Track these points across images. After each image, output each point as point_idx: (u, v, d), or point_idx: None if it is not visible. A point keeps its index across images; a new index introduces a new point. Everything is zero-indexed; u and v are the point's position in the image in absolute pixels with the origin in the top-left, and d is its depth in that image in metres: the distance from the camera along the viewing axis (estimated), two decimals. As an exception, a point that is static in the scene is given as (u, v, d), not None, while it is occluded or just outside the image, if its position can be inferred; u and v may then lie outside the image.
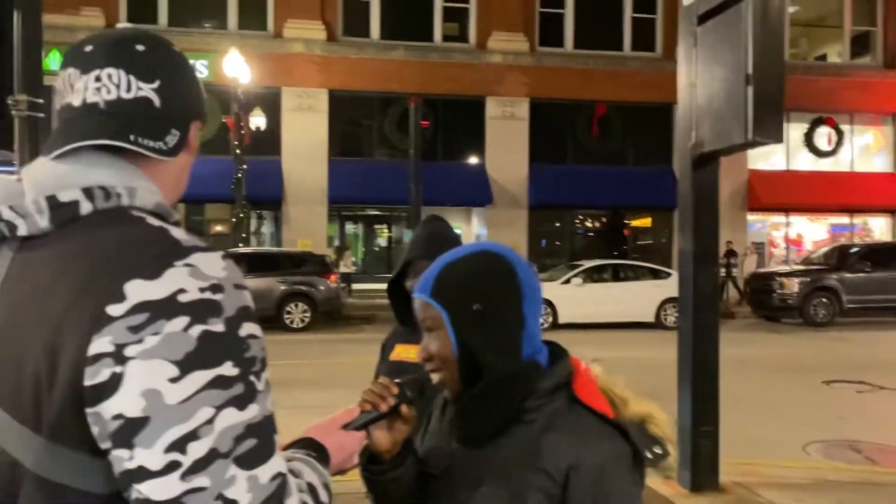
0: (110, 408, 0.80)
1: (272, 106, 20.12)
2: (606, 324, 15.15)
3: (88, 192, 0.89)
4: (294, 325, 14.67)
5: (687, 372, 4.76)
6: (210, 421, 0.80)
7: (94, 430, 0.81)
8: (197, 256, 0.86)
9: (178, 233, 0.89)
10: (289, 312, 14.75)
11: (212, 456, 0.80)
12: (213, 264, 0.86)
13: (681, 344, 4.89)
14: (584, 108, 22.25)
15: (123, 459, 0.80)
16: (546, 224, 23.19)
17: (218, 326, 0.83)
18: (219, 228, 21.05)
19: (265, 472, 0.84)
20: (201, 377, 0.81)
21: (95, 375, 0.80)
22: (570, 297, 15.17)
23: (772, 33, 4.00)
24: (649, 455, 1.18)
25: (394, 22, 21.47)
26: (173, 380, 0.80)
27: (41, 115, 4.07)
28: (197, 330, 0.81)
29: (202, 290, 0.83)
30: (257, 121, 18.80)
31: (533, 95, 21.69)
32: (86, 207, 0.89)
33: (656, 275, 16.17)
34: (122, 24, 1.12)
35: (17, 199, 0.89)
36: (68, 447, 0.82)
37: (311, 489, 0.95)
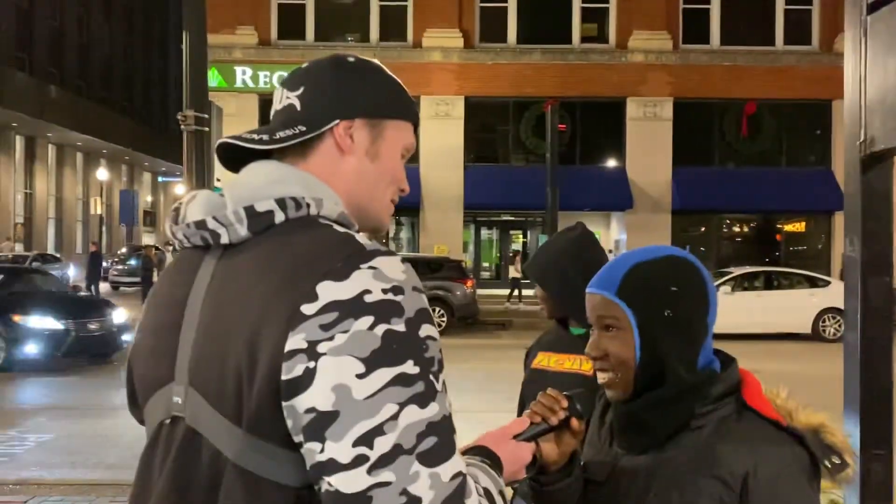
0: (304, 401, 0.84)
1: (411, 114, 20.58)
2: (758, 335, 14.29)
3: (281, 203, 0.95)
4: (432, 330, 14.92)
5: (854, 389, 4.35)
6: (394, 417, 0.83)
7: (289, 423, 0.85)
8: (380, 260, 0.90)
9: (362, 238, 0.94)
10: (427, 317, 15.01)
11: (396, 451, 0.82)
12: (394, 268, 0.90)
13: (847, 359, 4.47)
14: (732, 106, 21.18)
15: (315, 452, 0.84)
16: (691, 229, 22.25)
17: (400, 326, 0.86)
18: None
19: (446, 471, 0.85)
20: (385, 374, 0.84)
21: (291, 370, 0.84)
22: (719, 306, 14.43)
23: (958, 17, 3.57)
24: (827, 464, 1.12)
25: (530, 26, 21.38)
26: (360, 376, 0.83)
27: (206, 129, 4.34)
28: (381, 329, 0.85)
29: (385, 291, 0.87)
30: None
31: (677, 95, 20.89)
32: (279, 217, 0.95)
33: (813, 283, 15.07)
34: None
35: (220, 211, 0.97)
36: (265, 439, 0.87)
37: (488, 494, 0.95)
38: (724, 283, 14.83)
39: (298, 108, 1.06)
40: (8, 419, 7.15)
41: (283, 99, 1.08)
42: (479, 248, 24.27)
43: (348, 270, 0.88)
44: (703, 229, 22.60)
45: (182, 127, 4.24)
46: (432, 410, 0.85)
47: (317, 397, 0.83)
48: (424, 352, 0.87)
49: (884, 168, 4.38)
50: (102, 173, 36.85)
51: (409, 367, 0.85)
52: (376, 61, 1.15)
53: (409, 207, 20.86)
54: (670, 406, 1.15)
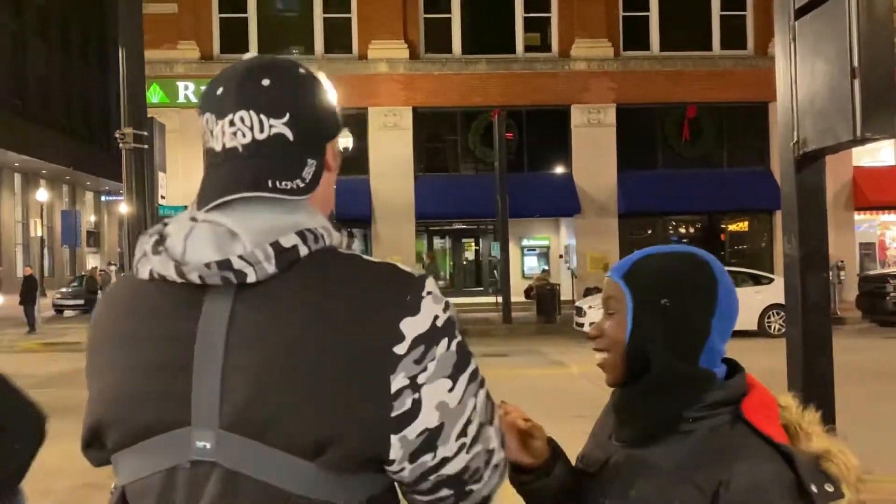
0: (416, 428, 0.93)
1: (359, 126, 20.53)
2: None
3: (302, 236, 0.96)
4: (387, 341, 14.83)
5: (798, 383, 4.49)
6: (475, 407, 0.98)
7: (397, 452, 0.93)
8: (429, 283, 0.99)
9: (400, 264, 1.01)
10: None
11: (481, 428, 0.99)
12: (435, 285, 1.00)
13: (790, 355, 4.61)
14: (673, 111, 21.68)
15: (427, 462, 0.95)
16: (638, 232, 22.64)
17: (459, 336, 0.99)
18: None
19: (497, 420, 1.04)
20: (464, 378, 0.98)
21: (401, 407, 0.92)
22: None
23: (879, 23, 3.74)
24: (815, 489, 1.06)
25: (475, 36, 21.56)
26: (450, 389, 0.96)
27: (146, 146, 4.27)
28: (453, 344, 0.97)
29: (444, 311, 0.98)
30: (345, 141, 19.22)
31: (619, 101, 21.30)
32: (303, 251, 0.95)
33: (757, 280, 15.49)
34: (249, 54, 1.13)
35: (234, 247, 0.93)
36: (342, 472, 0.92)
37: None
38: (672, 284, 15.15)
39: (292, 138, 1.00)
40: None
41: (263, 127, 0.98)
42: (433, 257, 24.30)
43: (417, 303, 0.95)
44: (649, 231, 23.02)
45: (121, 145, 4.16)
46: (485, 384, 1.01)
47: (426, 420, 0.94)
48: (468, 345, 1.02)
49: (816, 168, 4.54)
50: (42, 194, 35.75)
51: (473, 365, 1.00)
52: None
53: (360, 219, 20.77)
54: (652, 394, 1.15)
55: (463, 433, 0.96)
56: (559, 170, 21.70)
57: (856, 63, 3.72)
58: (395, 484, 1.00)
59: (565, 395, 9.21)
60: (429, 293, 0.96)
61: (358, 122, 20.52)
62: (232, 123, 0.98)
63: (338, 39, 21.30)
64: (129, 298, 1.01)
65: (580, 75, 21.25)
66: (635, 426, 1.18)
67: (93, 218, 44.93)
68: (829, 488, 1.08)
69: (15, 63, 36.56)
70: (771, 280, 15.23)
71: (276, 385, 0.91)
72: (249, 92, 0.99)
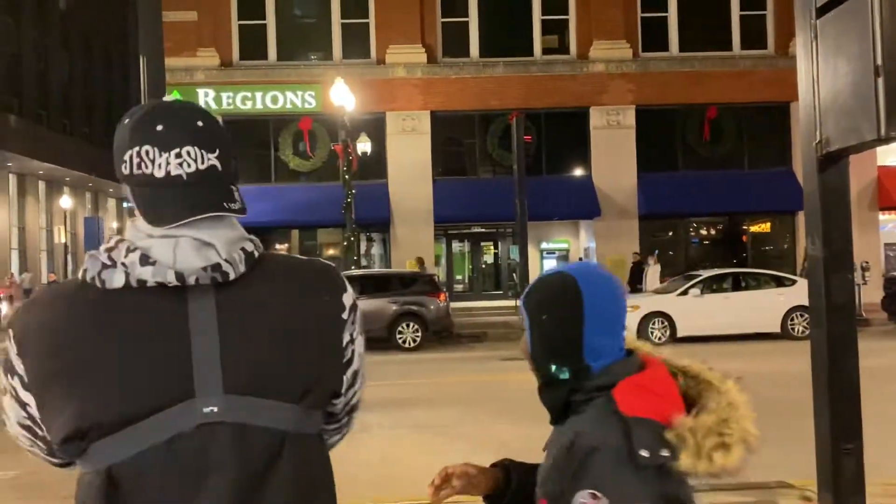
0: (352, 370, 1.30)
1: (377, 130, 20.60)
2: (728, 336, 14.46)
3: (253, 243, 1.24)
4: (406, 345, 14.83)
5: (822, 385, 4.42)
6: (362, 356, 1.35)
7: (344, 387, 1.29)
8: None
9: (312, 258, 1.37)
10: (400, 332, 14.92)
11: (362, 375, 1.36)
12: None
13: (815, 356, 4.55)
14: (693, 112, 21.53)
15: (350, 394, 1.32)
16: (658, 234, 22.49)
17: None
18: (331, 252, 21.67)
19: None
20: (363, 334, 1.34)
21: (346, 354, 1.28)
22: (689, 308, 14.58)
23: (902, 19, 3.68)
24: (646, 453, 1.27)
25: (492, 39, 21.56)
26: (363, 342, 1.33)
27: (117, 128, 4.30)
28: (359, 313, 1.32)
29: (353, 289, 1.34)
30: (364, 146, 19.28)
31: (639, 103, 21.18)
32: (256, 254, 1.23)
33: (780, 282, 15.31)
34: (169, 97, 1.39)
35: (211, 254, 1.18)
36: (316, 408, 1.24)
37: None
38: (693, 286, 15.00)
39: (220, 168, 1.22)
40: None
41: (203, 158, 1.20)
42: (450, 261, 24.28)
43: (344, 283, 1.31)
44: (670, 234, 22.86)
45: (143, 152, 4.19)
46: None
47: (356, 363, 1.31)
48: None
49: (840, 167, 4.48)
50: (66, 201, 36.25)
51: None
52: None
53: (379, 223, 20.82)
54: (550, 388, 1.45)
55: (362, 374, 1.33)
56: (578, 172, 21.61)
57: (879, 61, 3.67)
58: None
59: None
60: (343, 276, 1.33)
61: (376, 127, 20.59)
62: (178, 155, 1.19)
63: (356, 44, 21.39)
64: (100, 303, 1.16)
65: (599, 77, 21.17)
66: (550, 414, 1.48)
67: (115, 224, 45.47)
68: (665, 453, 1.28)
69: (38, 72, 37.11)
70: (794, 282, 15.04)
71: (267, 352, 1.18)
72: (191, 130, 1.21)
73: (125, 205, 45.71)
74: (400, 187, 20.74)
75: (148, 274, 1.14)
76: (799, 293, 14.19)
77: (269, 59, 21.13)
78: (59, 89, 39.02)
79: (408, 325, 14.98)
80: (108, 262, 1.16)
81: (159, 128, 1.20)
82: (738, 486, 5.45)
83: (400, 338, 14.88)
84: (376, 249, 22.59)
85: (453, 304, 17.66)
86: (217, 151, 1.22)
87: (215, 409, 1.13)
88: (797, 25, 4.80)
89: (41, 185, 36.51)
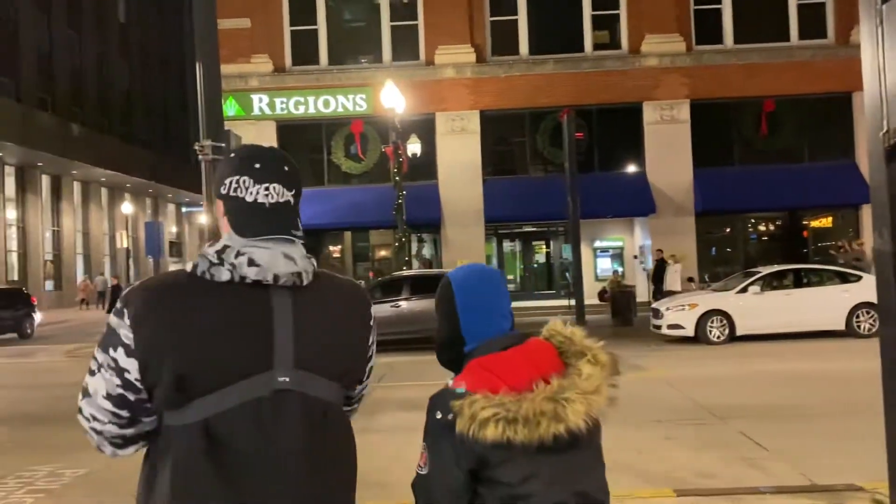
0: (370, 364, 1.74)
1: (427, 132, 20.66)
2: (790, 334, 14.05)
3: (313, 262, 1.62)
4: (459, 345, 14.80)
5: (894, 385, 4.24)
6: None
7: (364, 375, 1.74)
8: None
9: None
10: (453, 332, 14.90)
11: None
12: None
13: (884, 355, 4.37)
14: (749, 105, 21.01)
15: (366, 382, 1.77)
16: (715, 230, 22.03)
17: None
18: (382, 253, 21.83)
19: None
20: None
21: (370, 352, 1.72)
22: (748, 306, 14.22)
23: (977, 0, 3.50)
24: (439, 415, 1.67)
25: (542, 37, 21.41)
26: (376, 345, 1.77)
27: (223, 157, 4.38)
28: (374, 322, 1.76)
29: None
30: (414, 147, 19.36)
31: (693, 97, 20.77)
32: (314, 268, 1.63)
33: (845, 278, 14.79)
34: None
35: (291, 265, 1.55)
36: (347, 387, 1.67)
37: None
38: (752, 284, 14.61)
39: (293, 203, 1.62)
40: (43, 455, 7.22)
41: (283, 194, 1.60)
42: (502, 260, 24.20)
43: (370, 299, 1.75)
44: (728, 230, 22.35)
45: (200, 157, 4.27)
46: None
47: (372, 361, 1.74)
48: None
49: (910, 158, 4.27)
50: (127, 207, 37.37)
51: None
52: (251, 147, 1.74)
53: (430, 224, 20.88)
54: (442, 353, 1.88)
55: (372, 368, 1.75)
56: (632, 169, 21.30)
57: (951, 45, 3.49)
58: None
59: (643, 399, 8.99)
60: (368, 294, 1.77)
61: (426, 128, 20.66)
62: (267, 189, 1.58)
63: (405, 47, 21.49)
64: (209, 291, 1.51)
65: (651, 72, 20.83)
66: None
67: (174, 228, 46.67)
68: (450, 417, 1.63)
69: (99, 82, 38.35)
70: (859, 278, 14.51)
71: (324, 342, 1.58)
72: (279, 172, 1.61)
73: (183, 210, 46.86)
74: (450, 188, 20.76)
75: (252, 273, 1.51)
76: (865, 289, 13.71)
77: (321, 63, 21.40)
78: (119, 98, 40.26)
79: (460, 326, 14.96)
80: (216, 261, 1.51)
81: (257, 165, 1.59)
82: (806, 488, 5.28)
83: (452, 338, 14.86)
84: (427, 250, 22.67)
85: (506, 304, 17.58)
86: (293, 191, 1.62)
87: (287, 380, 1.51)
88: (861, 12, 4.61)
89: (104, 191, 37.72)
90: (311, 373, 1.53)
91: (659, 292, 18.26)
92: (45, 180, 33.05)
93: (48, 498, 5.94)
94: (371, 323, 1.69)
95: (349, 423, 1.67)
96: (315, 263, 1.61)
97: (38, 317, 21.32)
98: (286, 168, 1.62)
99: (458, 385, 1.67)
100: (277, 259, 1.53)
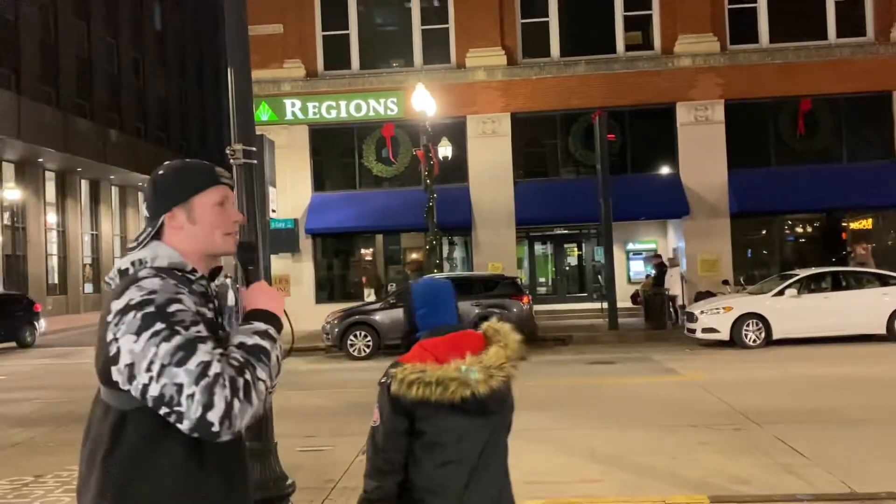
0: (121, 363, 1.66)
1: (458, 134, 20.67)
2: (828, 338, 13.77)
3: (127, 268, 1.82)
4: (491, 348, 14.75)
5: (938, 393, 4.12)
6: (156, 353, 1.64)
7: (117, 377, 1.66)
8: (140, 280, 1.73)
9: (146, 272, 1.78)
10: (485, 335, 14.85)
11: (163, 368, 1.63)
12: (147, 284, 1.71)
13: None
14: (786, 105, 20.65)
15: (137, 385, 1.64)
16: (751, 232, 21.67)
17: (151, 309, 1.67)
18: (414, 256, 21.87)
19: (192, 366, 1.64)
20: (146, 335, 1.64)
21: (112, 351, 1.70)
22: (785, 309, 13.97)
23: None
24: (385, 379, 2.19)
25: (573, 38, 21.29)
26: (135, 341, 1.65)
27: (255, 161, 4.41)
28: (139, 315, 1.68)
29: (141, 295, 1.70)
30: (445, 150, 19.37)
31: (728, 97, 20.48)
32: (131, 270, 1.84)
33: (885, 281, 14.46)
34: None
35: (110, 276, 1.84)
36: (113, 389, 1.69)
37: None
38: (789, 286, 14.34)
39: (147, 217, 1.85)
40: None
41: (144, 210, 1.90)
42: (533, 263, 24.09)
43: (121, 292, 1.71)
44: (763, 232, 21.99)
45: (231, 161, 4.30)
46: (176, 341, 1.62)
47: (124, 359, 1.64)
48: (171, 317, 1.65)
49: (953, 156, 4.14)
50: (163, 211, 37.91)
51: (158, 327, 1.63)
52: (177, 162, 1.96)
53: (461, 226, 20.87)
54: (404, 339, 2.44)
55: (148, 369, 1.61)
56: (665, 170, 21.07)
57: None
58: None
59: (677, 403, 8.87)
60: (135, 285, 1.69)
61: (456, 131, 20.66)
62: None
63: (436, 50, 21.53)
64: None
65: (685, 72, 20.59)
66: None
67: (209, 232, 47.24)
68: (387, 380, 2.15)
69: (136, 88, 39.06)
70: (901, 280, 14.18)
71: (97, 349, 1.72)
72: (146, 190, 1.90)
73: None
74: (481, 190, 20.73)
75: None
76: (906, 292, 13.38)
77: (353, 68, 21.52)
78: (155, 104, 40.96)
79: (491, 329, 14.90)
80: None
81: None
82: (846, 496, 5.16)
83: (484, 341, 14.81)
84: (458, 253, 22.66)
85: (537, 307, 17.48)
86: (146, 203, 1.87)
87: (98, 391, 1.79)
88: (902, 7, 4.49)
89: (140, 196, 38.39)
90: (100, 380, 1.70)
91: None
92: (84, 185, 33.74)
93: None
94: (108, 318, 1.67)
95: (147, 430, 1.65)
96: (128, 270, 1.77)
97: (41, 324, 20.52)
98: (146, 186, 1.93)
99: (401, 358, 2.22)
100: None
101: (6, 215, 27.77)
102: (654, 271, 19.29)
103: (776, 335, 13.85)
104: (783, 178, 20.13)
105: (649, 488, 5.60)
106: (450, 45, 21.40)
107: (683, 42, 20.65)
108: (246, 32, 4.48)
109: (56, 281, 31.46)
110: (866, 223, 21.75)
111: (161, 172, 1.90)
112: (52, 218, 31.24)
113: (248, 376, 1.64)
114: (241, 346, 1.70)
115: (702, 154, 20.35)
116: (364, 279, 21.53)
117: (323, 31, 21.59)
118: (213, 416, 1.57)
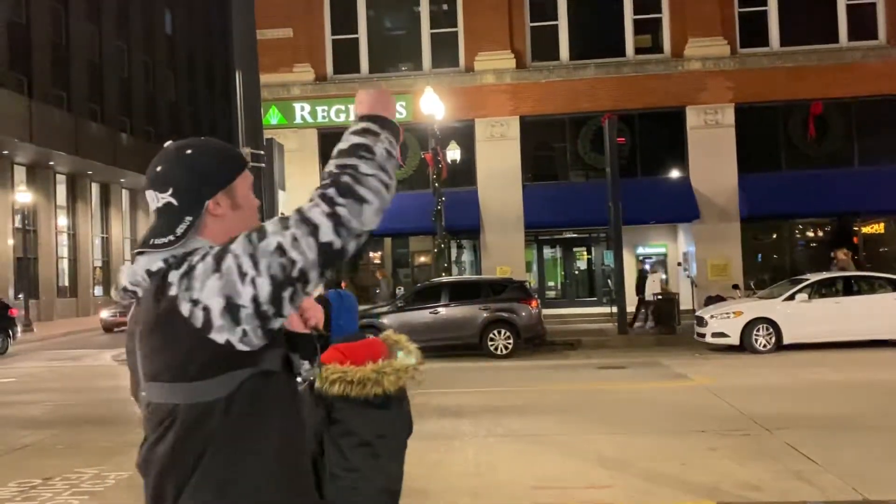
0: None
1: (466, 138, 20.66)
2: (839, 343, 13.66)
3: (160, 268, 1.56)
4: (498, 352, 14.74)
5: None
6: None
7: (225, 333, 1.54)
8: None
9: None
10: (492, 339, 14.84)
11: None
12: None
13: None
14: (797, 108, 20.54)
15: None
16: (761, 237, 21.57)
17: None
18: (422, 259, 21.86)
19: None
20: None
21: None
22: (795, 314, 13.87)
23: None
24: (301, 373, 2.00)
25: (583, 41, 21.26)
26: None
27: (262, 165, 4.42)
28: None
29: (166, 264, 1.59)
30: (453, 154, 19.37)
31: (738, 101, 20.39)
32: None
33: (897, 286, 14.33)
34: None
35: (123, 281, 1.57)
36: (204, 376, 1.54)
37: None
38: (800, 291, 14.24)
39: (177, 205, 1.57)
40: (89, 458, 7.36)
41: (157, 199, 1.59)
42: (542, 267, 24.04)
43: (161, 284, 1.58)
44: (774, 236, 21.87)
45: (239, 163, 4.31)
46: (244, 246, 1.50)
47: None
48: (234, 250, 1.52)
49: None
50: (173, 214, 38.06)
51: (229, 256, 1.51)
52: (199, 140, 1.69)
53: (469, 230, 20.85)
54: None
55: (243, 278, 1.47)
56: (675, 174, 20.99)
57: None
58: None
59: (686, 409, 8.81)
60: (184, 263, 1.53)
61: (465, 134, 20.66)
62: (147, 197, 1.62)
63: (445, 54, 21.54)
64: None
65: (695, 76, 20.52)
66: None
67: (219, 235, 47.41)
68: (313, 378, 2.27)
69: (147, 92, 39.28)
70: (913, 285, 14.06)
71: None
72: (151, 177, 1.62)
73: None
74: (489, 194, 20.71)
75: (113, 294, 1.96)
76: (919, 298, 13.27)
77: (362, 71, 21.56)
78: (166, 108, 41.17)
79: (499, 332, 14.89)
80: None
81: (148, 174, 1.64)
82: (858, 503, 5.10)
83: (492, 345, 14.80)
84: (466, 256, 22.63)
85: (545, 311, 17.44)
86: (170, 190, 1.58)
87: (144, 394, 1.60)
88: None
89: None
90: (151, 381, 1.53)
91: (640, 302, 18.56)
92: (95, 188, 33.93)
93: (92, 500, 6.05)
94: (163, 307, 1.54)
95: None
96: (160, 271, 1.51)
97: (17, 330, 19.00)
98: (158, 168, 1.60)
99: (322, 358, 2.40)
100: (122, 275, 1.56)
101: (17, 218, 27.95)
102: (636, 278, 19.38)
103: (787, 340, 13.75)
104: (794, 182, 20.03)
105: (659, 494, 5.56)
106: (459, 49, 21.41)
107: (693, 45, 20.58)
108: (254, 37, 4.49)
109: (66, 284, 31.62)
110: (878, 227, 21.61)
111: (191, 152, 1.63)
112: (62, 221, 31.42)
113: (345, 179, 1.47)
114: (337, 154, 1.54)
115: (712, 158, 20.27)
116: (380, 276, 21.42)
117: (332, 35, 21.65)
118: (325, 236, 1.44)
